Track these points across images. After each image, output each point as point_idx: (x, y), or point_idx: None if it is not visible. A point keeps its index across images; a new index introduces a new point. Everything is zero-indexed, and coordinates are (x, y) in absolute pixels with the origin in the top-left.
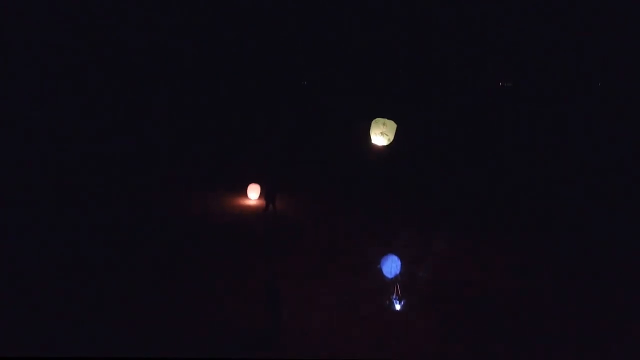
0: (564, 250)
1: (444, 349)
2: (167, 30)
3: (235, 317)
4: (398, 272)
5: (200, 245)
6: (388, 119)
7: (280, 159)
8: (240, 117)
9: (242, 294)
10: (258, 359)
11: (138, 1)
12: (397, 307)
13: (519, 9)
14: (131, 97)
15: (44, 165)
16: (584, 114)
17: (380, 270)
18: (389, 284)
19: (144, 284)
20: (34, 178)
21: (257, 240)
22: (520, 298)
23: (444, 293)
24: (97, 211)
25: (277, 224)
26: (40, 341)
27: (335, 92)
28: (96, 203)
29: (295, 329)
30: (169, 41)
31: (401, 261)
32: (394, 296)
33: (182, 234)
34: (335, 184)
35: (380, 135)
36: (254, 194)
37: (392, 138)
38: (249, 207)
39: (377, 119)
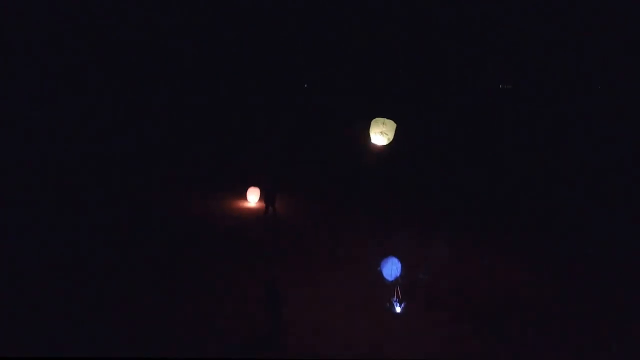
0: (564, 250)
1: (444, 349)
2: (167, 30)
3: (235, 317)
4: (398, 274)
5: (200, 245)
6: (388, 118)
7: (280, 159)
8: (240, 117)
9: (242, 294)
10: (258, 359)
11: (138, 1)
12: (398, 309)
13: (519, 9)
14: (131, 97)
15: (44, 165)
16: (584, 114)
17: (381, 273)
18: (389, 286)
19: (144, 284)
20: (34, 178)
21: (257, 241)
22: (520, 298)
23: (444, 293)
24: (97, 211)
25: (277, 225)
26: (40, 341)
27: (335, 92)
28: (96, 203)
29: (295, 330)
30: (169, 41)
31: (401, 263)
32: (395, 298)
33: (182, 234)
34: (335, 184)
35: (380, 134)
36: (253, 197)
37: (391, 137)
38: (249, 208)
39: (377, 118)
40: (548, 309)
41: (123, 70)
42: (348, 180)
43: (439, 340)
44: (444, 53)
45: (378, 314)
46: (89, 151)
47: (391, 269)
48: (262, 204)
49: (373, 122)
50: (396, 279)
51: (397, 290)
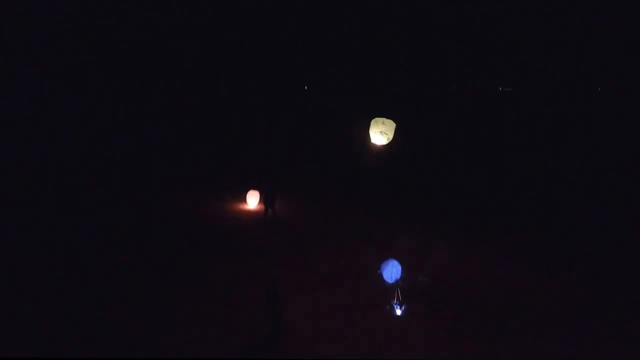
0: (564, 250)
1: (444, 349)
2: (167, 30)
3: (235, 317)
4: (399, 277)
5: (200, 246)
6: (387, 118)
7: (280, 159)
8: (240, 117)
9: (242, 294)
10: (258, 359)
11: (138, 1)
12: (398, 312)
13: (519, 9)
14: (131, 97)
15: (44, 165)
16: (584, 114)
17: (381, 275)
18: (389, 289)
19: (144, 284)
20: (34, 178)
21: (257, 241)
22: (520, 298)
23: (444, 293)
24: (97, 211)
25: (277, 225)
26: (40, 341)
27: (335, 92)
28: (96, 203)
29: (295, 330)
30: (169, 41)
31: (402, 266)
32: (395, 301)
33: (182, 234)
34: (335, 184)
35: (380, 134)
36: (253, 200)
37: (391, 137)
38: (249, 210)
39: (377, 118)
40: (548, 309)
41: (123, 70)
42: (348, 180)
43: (439, 340)
44: (444, 53)
45: (378, 315)
46: (89, 151)
47: (391, 271)
48: (262, 206)
49: (373, 122)
50: (396, 282)
51: (398, 293)
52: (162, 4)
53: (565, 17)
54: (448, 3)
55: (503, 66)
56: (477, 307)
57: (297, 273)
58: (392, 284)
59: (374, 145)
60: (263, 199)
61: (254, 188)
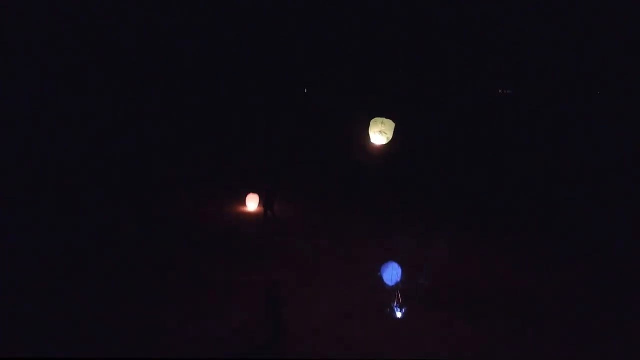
0: (564, 250)
1: (444, 349)
2: (167, 30)
3: (235, 317)
4: (399, 279)
5: (200, 246)
6: (387, 118)
7: (280, 159)
8: (240, 117)
9: (242, 294)
10: None
11: (138, 1)
12: (399, 314)
13: (519, 9)
14: (131, 97)
15: (44, 165)
16: (584, 114)
17: (381, 278)
18: (390, 291)
19: (144, 284)
20: (34, 178)
21: (257, 242)
22: (520, 298)
23: (444, 294)
24: (97, 211)
25: (277, 226)
26: (40, 341)
27: (335, 92)
28: (96, 203)
29: (295, 330)
30: (169, 41)
31: (402, 268)
32: (395, 304)
33: (182, 234)
34: (335, 184)
35: (379, 133)
36: (252, 203)
37: (390, 136)
38: (249, 211)
39: (376, 118)
40: (548, 309)
41: (123, 70)
42: (348, 180)
43: (439, 340)
44: (444, 53)
45: (378, 315)
46: (89, 151)
47: (392, 274)
48: (262, 208)
49: (372, 122)
50: (397, 284)
51: (398, 296)
52: (162, 4)
53: (565, 17)
54: (448, 3)
55: (503, 66)
56: (477, 307)
57: (297, 273)
58: (393, 286)
59: (373, 145)
60: (263, 201)
61: (254, 191)
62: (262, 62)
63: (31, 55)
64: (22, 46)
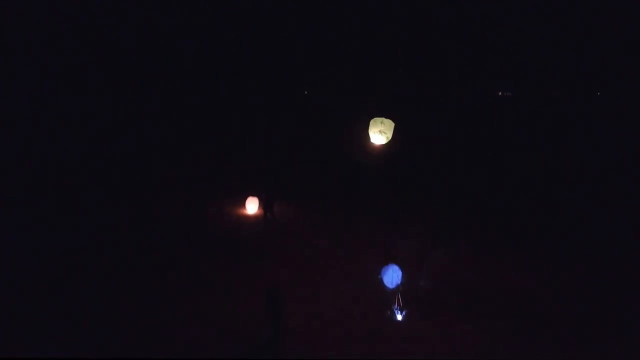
0: (564, 250)
1: (444, 349)
2: (167, 30)
3: (235, 317)
4: (399, 282)
5: (200, 246)
6: (386, 118)
7: (280, 159)
8: (240, 117)
9: (242, 294)
10: None
11: (138, 1)
12: (399, 317)
13: (519, 9)
14: (131, 97)
15: (44, 165)
16: (584, 114)
17: (381, 281)
18: (390, 293)
19: (144, 284)
20: (34, 178)
21: (257, 242)
22: (520, 298)
23: (444, 294)
24: (97, 211)
25: (277, 226)
26: (40, 341)
27: (335, 92)
28: (96, 203)
29: (295, 330)
30: (169, 41)
31: (402, 270)
32: (396, 306)
33: (182, 234)
34: (335, 184)
35: (379, 133)
36: (252, 206)
37: (390, 136)
38: (249, 213)
39: (376, 117)
40: (548, 309)
41: (123, 70)
42: (348, 180)
43: (439, 340)
44: (444, 53)
45: (378, 316)
46: (89, 151)
47: (392, 276)
48: (261, 210)
49: (372, 122)
50: (397, 287)
51: (399, 298)
52: (162, 4)
53: (565, 17)
54: (448, 3)
55: (503, 67)
56: (477, 307)
57: (297, 273)
58: (393, 289)
59: (373, 144)
60: (262, 203)
61: (253, 194)
62: (262, 62)
63: (31, 55)
64: (22, 46)
